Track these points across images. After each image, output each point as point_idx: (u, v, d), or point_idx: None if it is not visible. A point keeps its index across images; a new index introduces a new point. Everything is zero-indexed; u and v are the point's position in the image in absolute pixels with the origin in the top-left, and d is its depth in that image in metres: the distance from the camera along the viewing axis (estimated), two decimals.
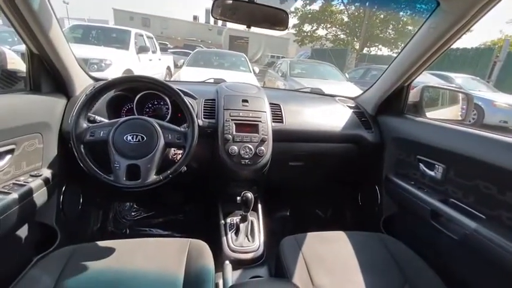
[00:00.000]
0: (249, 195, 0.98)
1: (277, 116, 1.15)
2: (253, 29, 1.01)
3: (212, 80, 1.54)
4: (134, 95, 1.04)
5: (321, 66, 6.61)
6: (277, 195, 1.52)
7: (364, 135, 1.21)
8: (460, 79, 6.57)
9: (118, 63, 4.24)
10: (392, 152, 1.17)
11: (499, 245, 0.69)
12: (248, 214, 1.06)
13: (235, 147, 1.01)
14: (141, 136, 0.80)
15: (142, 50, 5.11)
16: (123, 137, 0.79)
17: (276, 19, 0.88)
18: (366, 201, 1.35)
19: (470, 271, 0.82)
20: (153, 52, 5.85)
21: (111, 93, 1.02)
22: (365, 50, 17.02)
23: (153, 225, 1.50)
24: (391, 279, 0.77)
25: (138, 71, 4.61)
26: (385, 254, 0.86)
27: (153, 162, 0.78)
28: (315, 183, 1.51)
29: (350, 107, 1.32)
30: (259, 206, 1.19)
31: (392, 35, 16.22)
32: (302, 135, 1.16)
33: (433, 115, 1.27)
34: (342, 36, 17.41)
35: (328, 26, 17.24)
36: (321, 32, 17.91)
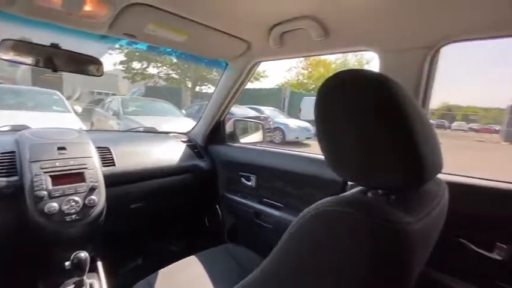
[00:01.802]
0: (83, 255, 0.85)
1: (107, 160, 1.09)
2: None
3: (7, 128, 1.21)
4: None
5: (158, 104, 6.68)
6: (124, 243, 1.38)
7: (198, 164, 1.39)
8: (268, 110, 8.80)
9: None
10: (223, 173, 1.42)
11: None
12: (85, 277, 0.91)
13: (55, 204, 0.86)
14: None
15: None
16: None
17: (87, 66, 0.87)
18: (212, 221, 1.52)
19: None
20: None
21: None
22: (197, 88, 18.89)
23: None
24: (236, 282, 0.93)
25: None
26: (230, 260, 1.02)
27: None
28: (163, 219, 1.51)
29: (183, 141, 1.47)
30: (99, 264, 1.05)
31: (217, 76, 19.10)
32: (138, 175, 1.16)
33: (247, 140, 1.68)
34: (175, 75, 18.46)
35: (159, 65, 17.79)
36: (152, 70, 18.13)
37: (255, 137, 1.81)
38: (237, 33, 0.96)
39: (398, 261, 0.33)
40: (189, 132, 1.61)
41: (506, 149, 10.52)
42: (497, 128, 15.12)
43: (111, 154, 1.12)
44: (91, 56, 0.87)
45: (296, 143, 7.57)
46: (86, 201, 0.92)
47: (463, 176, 0.74)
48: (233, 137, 1.53)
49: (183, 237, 1.69)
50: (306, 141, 8.06)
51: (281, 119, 8.31)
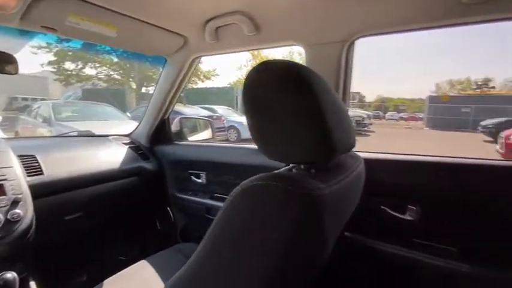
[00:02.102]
0: (10, 276, 0.76)
1: (33, 169, 0.97)
2: None
3: None
4: None
5: (98, 108, 6.12)
6: (64, 259, 1.25)
7: (143, 166, 1.33)
8: (220, 109, 8.74)
9: None
10: (171, 173, 1.38)
11: None
12: None
13: None
14: None
15: None
16: None
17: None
18: (163, 223, 1.48)
19: None
20: None
21: None
22: (144, 89, 17.74)
23: None
24: None
25: None
26: (182, 259, 1.01)
27: None
28: (110, 227, 1.41)
29: (125, 144, 1.39)
30: (32, 284, 0.94)
31: None
32: (72, 182, 1.06)
33: (196, 138, 1.67)
34: (116, 76, 17.01)
35: (97, 65, 16.19)
36: (90, 71, 16.42)
37: (204, 134, 1.80)
38: (172, 27, 0.95)
39: (314, 222, 0.39)
40: (131, 133, 1.52)
41: (427, 133, 12.33)
42: (420, 116, 17.59)
43: (37, 162, 1.00)
44: (1, 52, 0.77)
45: (252, 140, 7.71)
46: (9, 216, 0.81)
47: (380, 152, 0.87)
48: (180, 135, 1.50)
49: (133, 244, 1.60)
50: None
51: (235, 117, 8.35)
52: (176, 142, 1.44)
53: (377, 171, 0.81)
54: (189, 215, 1.35)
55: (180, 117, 1.53)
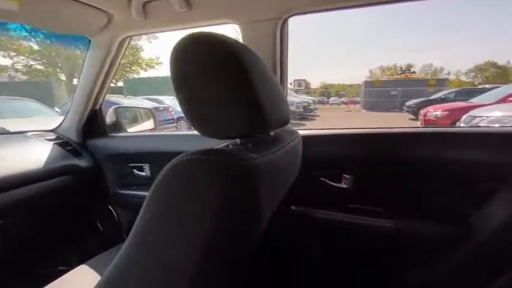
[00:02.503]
0: None
1: None
2: None
3: None
4: None
5: (19, 103, 5.21)
6: None
7: (75, 163, 1.18)
8: (168, 100, 8.24)
9: None
10: (110, 169, 1.26)
11: None
12: None
13: None
14: None
15: None
16: None
17: None
18: (106, 223, 1.36)
19: None
20: None
21: None
22: (75, 81, 15.65)
23: None
24: None
25: None
26: None
27: None
28: (41, 236, 1.24)
29: (50, 140, 1.21)
30: None
31: None
32: None
33: (137, 129, 1.54)
34: (39, 66, 14.60)
35: (13, 54, 13.60)
36: (3, 61, 13.74)
37: (146, 125, 1.68)
38: (91, 1, 0.83)
39: (247, 192, 0.39)
40: (56, 128, 1.33)
41: (363, 115, 13.72)
42: (358, 100, 19.38)
43: None
44: None
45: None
46: None
47: (317, 129, 0.92)
48: (117, 127, 1.37)
49: (72, 251, 1.44)
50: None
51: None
52: (112, 134, 1.31)
53: (315, 146, 0.87)
54: (134, 212, 1.26)
55: (114, 106, 1.39)
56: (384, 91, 15.57)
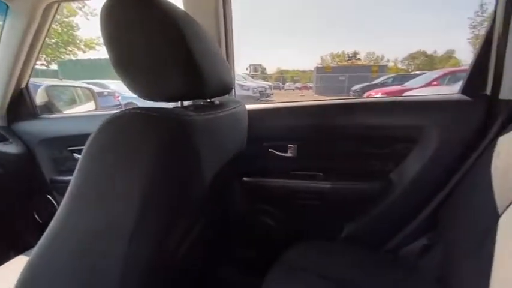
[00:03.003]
0: None
1: None
2: None
3: None
4: None
5: None
6: None
7: (1, 149, 1.04)
8: (113, 85, 7.53)
9: None
10: (44, 154, 1.14)
11: None
12: None
13: None
14: None
15: None
16: None
17: None
18: (44, 214, 1.24)
19: None
20: None
21: None
22: None
23: None
24: None
25: None
26: None
27: None
28: None
29: None
30: None
31: None
32: None
33: (77, 110, 1.41)
34: None
35: None
36: None
37: (87, 107, 1.55)
38: None
39: (186, 145, 0.40)
40: None
41: (314, 99, 14.47)
42: (311, 85, 20.26)
43: None
44: None
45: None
46: None
47: (264, 103, 0.97)
48: (50, 108, 1.23)
49: (9, 246, 1.29)
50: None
51: (132, 93, 7.39)
52: (45, 116, 1.18)
53: (264, 120, 0.92)
54: None
55: (45, 85, 1.24)
56: (333, 77, 16.53)
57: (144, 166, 0.36)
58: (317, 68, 18.20)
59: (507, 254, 0.51)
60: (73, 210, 0.38)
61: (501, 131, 0.68)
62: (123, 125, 0.36)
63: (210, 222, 0.76)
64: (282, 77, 26.26)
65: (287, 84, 23.43)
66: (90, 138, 0.37)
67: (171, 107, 0.51)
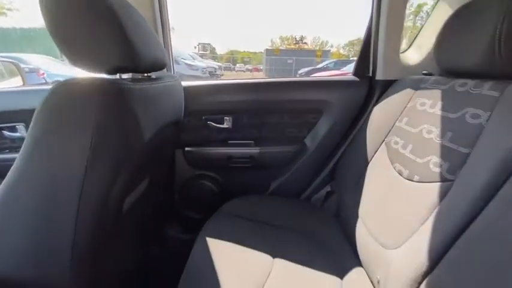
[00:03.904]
0: None
1: None
2: None
3: None
4: None
5: None
6: None
7: None
8: (36, 59, 6.51)
9: None
10: None
11: None
12: None
13: None
14: None
15: None
16: None
17: None
18: None
19: None
20: None
21: None
22: None
23: None
24: None
25: None
26: None
27: None
28: None
29: None
30: None
31: None
32: None
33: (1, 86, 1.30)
34: None
35: None
36: None
37: (16, 82, 1.43)
38: None
39: (123, 111, 0.51)
40: None
41: None
42: (261, 67, 20.51)
43: None
44: None
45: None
46: None
47: (202, 82, 1.08)
48: None
49: None
50: None
51: (59, 68, 6.52)
52: None
53: (203, 96, 1.04)
54: None
55: None
56: (282, 60, 17.02)
57: (92, 121, 0.46)
58: (267, 50, 18.45)
59: (371, 188, 0.76)
60: (23, 176, 0.46)
61: (375, 104, 0.94)
62: (67, 92, 0.45)
63: (155, 183, 0.87)
64: (233, 57, 25.86)
65: (238, 65, 23.25)
66: (38, 107, 0.45)
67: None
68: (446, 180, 0.53)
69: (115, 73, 0.56)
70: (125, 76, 0.60)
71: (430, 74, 0.81)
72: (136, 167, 0.63)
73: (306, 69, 11.89)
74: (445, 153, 0.57)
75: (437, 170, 0.56)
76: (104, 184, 0.51)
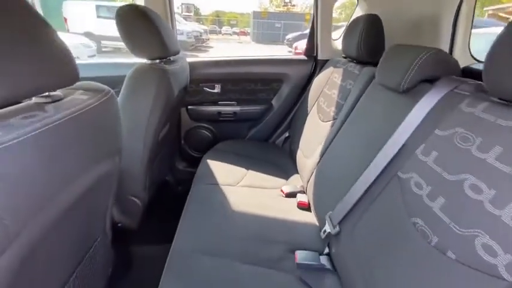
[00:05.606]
0: None
1: None
2: None
3: None
4: None
5: None
6: None
7: None
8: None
9: None
10: None
11: None
12: None
13: None
14: None
15: None
16: None
17: None
18: None
19: None
20: None
21: None
22: None
23: None
24: None
25: None
26: None
27: None
28: None
29: None
30: None
31: None
32: None
33: None
34: None
35: None
36: None
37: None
38: None
39: (169, 86, 0.97)
40: None
41: (253, 47, 14.64)
42: (248, 30, 19.96)
43: None
44: None
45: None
46: None
47: (204, 57, 1.51)
48: None
49: None
50: (89, 60, 7.02)
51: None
52: None
53: (201, 69, 1.48)
54: None
55: None
56: (269, 23, 16.62)
57: (153, 87, 0.92)
58: (254, 12, 17.83)
59: (305, 131, 1.28)
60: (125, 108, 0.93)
61: (316, 76, 1.42)
62: (141, 69, 0.91)
63: (171, 127, 1.35)
64: (219, 19, 24.76)
65: (224, 28, 22.44)
66: (126, 78, 0.90)
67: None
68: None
69: (155, 59, 1.00)
70: (157, 61, 1.05)
71: (344, 57, 1.28)
72: (167, 114, 1.10)
73: (293, 34, 11.88)
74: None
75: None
76: (155, 122, 0.99)
